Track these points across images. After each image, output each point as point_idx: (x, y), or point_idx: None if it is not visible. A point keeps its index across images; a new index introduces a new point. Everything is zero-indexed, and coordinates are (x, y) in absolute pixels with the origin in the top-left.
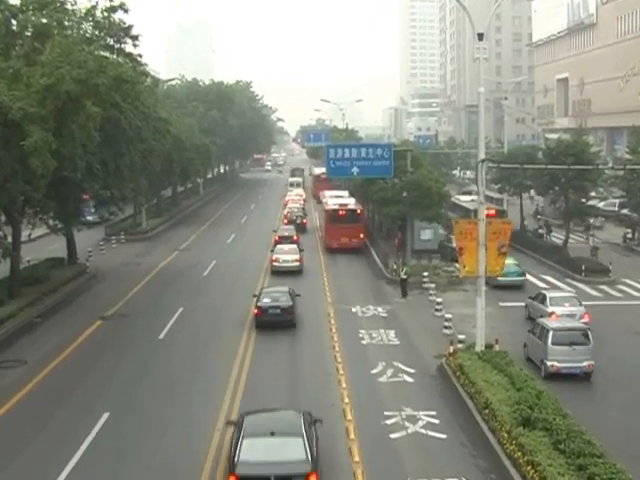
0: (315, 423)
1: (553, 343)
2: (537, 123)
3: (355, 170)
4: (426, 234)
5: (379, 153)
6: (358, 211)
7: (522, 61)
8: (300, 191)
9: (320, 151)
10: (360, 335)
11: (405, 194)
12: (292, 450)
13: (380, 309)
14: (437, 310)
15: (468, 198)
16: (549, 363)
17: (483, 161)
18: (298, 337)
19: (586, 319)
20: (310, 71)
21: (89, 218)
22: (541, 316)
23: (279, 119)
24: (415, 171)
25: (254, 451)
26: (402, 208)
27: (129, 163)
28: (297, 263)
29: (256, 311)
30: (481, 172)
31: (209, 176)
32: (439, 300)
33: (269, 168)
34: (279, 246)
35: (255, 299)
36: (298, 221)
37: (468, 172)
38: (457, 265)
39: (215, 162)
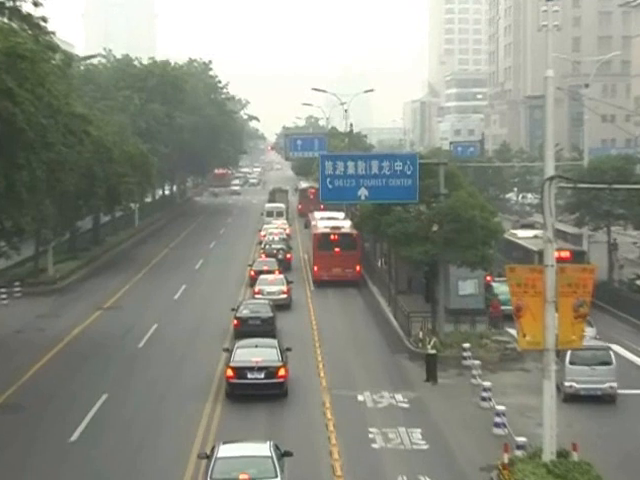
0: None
1: (571, 362)
2: (634, 122)
3: (362, 193)
4: (467, 287)
5: (398, 168)
6: (354, 235)
7: (612, 29)
8: (282, 223)
9: (312, 165)
10: (370, 436)
11: (436, 228)
12: None
13: (399, 397)
14: (484, 399)
15: (530, 234)
16: (567, 384)
17: (552, 179)
18: (282, 438)
19: None
20: (298, 54)
21: None
22: None
23: (252, 117)
24: (451, 194)
25: None
26: (431, 248)
27: (28, 180)
28: (284, 295)
29: (235, 322)
30: (549, 196)
31: (148, 200)
32: (487, 385)
33: (237, 189)
34: (263, 276)
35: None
36: (280, 255)
37: (530, 195)
38: (513, 333)
39: (157, 180)
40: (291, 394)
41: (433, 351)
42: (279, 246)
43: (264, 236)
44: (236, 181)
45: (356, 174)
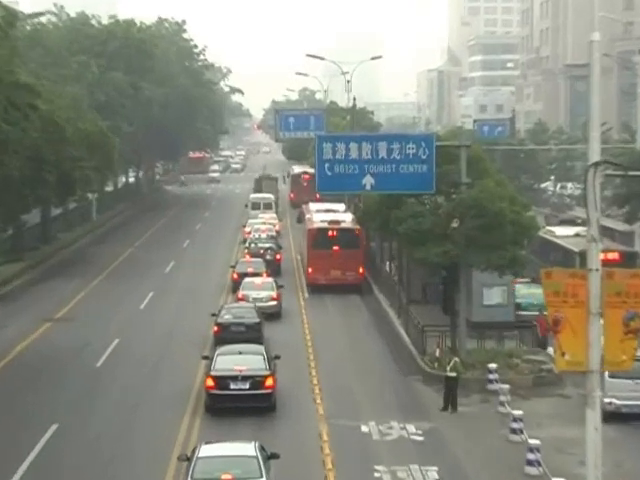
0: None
1: (611, 376)
2: None
3: (368, 181)
4: (493, 296)
5: (411, 151)
6: (356, 231)
7: None
8: (271, 217)
9: (307, 147)
10: (376, 475)
11: (456, 224)
12: None
13: (412, 428)
14: (514, 432)
15: (570, 231)
16: (607, 400)
17: (598, 165)
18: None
19: None
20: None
21: None
22: None
23: (235, 90)
24: (475, 183)
25: None
26: (450, 249)
27: None
28: (273, 302)
29: (216, 328)
30: (594, 185)
31: (109, 189)
32: (517, 414)
33: (216, 175)
34: (248, 279)
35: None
36: (268, 256)
37: (570, 185)
38: (550, 352)
39: (120, 165)
40: (283, 424)
41: (452, 373)
42: (267, 245)
43: (249, 233)
44: (215, 166)
45: (360, 159)
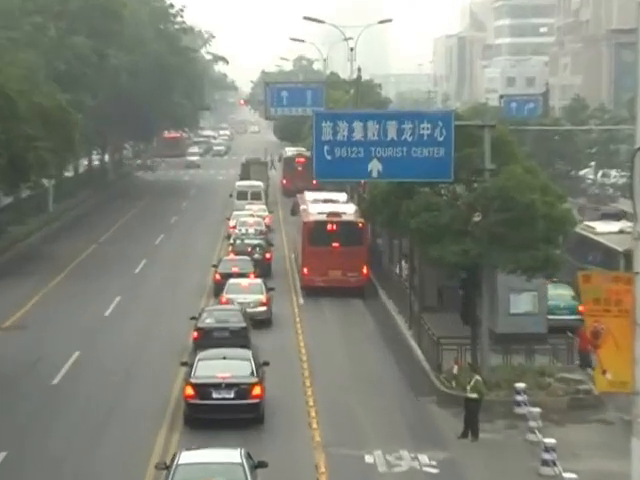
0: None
1: None
2: None
3: (374, 167)
4: (522, 302)
5: (425, 132)
6: (359, 225)
7: None
8: (260, 209)
9: (303, 127)
10: None
11: (478, 218)
12: None
13: (425, 459)
14: (545, 463)
15: (613, 227)
16: None
17: None
18: None
19: None
20: None
21: None
22: None
23: (219, 58)
24: (501, 170)
25: None
26: (472, 247)
27: None
28: (262, 308)
29: (195, 334)
30: None
31: (69, 174)
32: (550, 443)
33: (195, 159)
34: (232, 281)
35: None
36: (257, 254)
37: (614, 173)
38: (590, 370)
39: (82, 146)
40: (274, 454)
41: (473, 394)
42: (255, 241)
43: (234, 227)
44: (194, 149)
45: (365, 140)
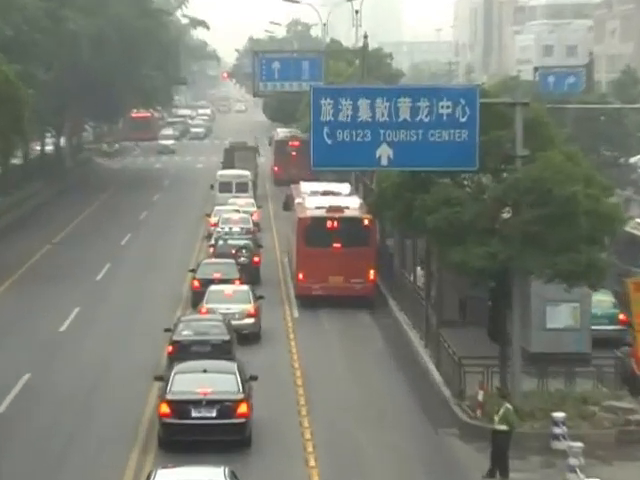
0: None
1: None
2: None
3: (384, 154)
4: (561, 316)
5: (445, 111)
6: (365, 222)
7: None
8: (247, 203)
9: (299, 105)
10: None
11: (509, 215)
12: None
13: None
14: None
15: None
16: None
17: None
18: None
19: None
20: None
21: None
22: None
23: (197, 23)
24: (536, 157)
25: None
26: (500, 250)
27: None
28: (249, 320)
29: (170, 348)
30: None
31: (17, 161)
32: None
33: (169, 143)
34: (214, 288)
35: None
36: (243, 257)
37: None
38: None
39: (34, 127)
40: None
41: (502, 426)
42: (241, 242)
43: (216, 225)
44: (168, 131)
45: (373, 121)
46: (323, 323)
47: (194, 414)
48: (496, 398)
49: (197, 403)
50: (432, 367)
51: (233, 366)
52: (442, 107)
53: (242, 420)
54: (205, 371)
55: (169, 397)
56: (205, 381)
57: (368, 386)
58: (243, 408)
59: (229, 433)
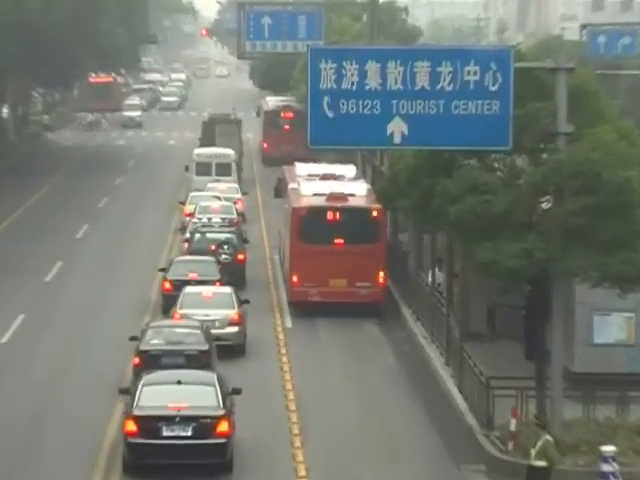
0: None
1: None
2: None
3: (397, 130)
4: (611, 328)
5: (472, 78)
6: (374, 214)
7: None
8: (229, 188)
9: (293, 70)
10: None
11: (548, 205)
12: None
13: None
14: None
15: None
16: None
17: None
18: None
19: None
20: None
21: None
22: None
23: None
24: (582, 134)
25: None
26: (539, 248)
27: None
28: (232, 328)
29: (137, 360)
30: None
31: None
32: None
33: (135, 115)
34: (189, 290)
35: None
36: (224, 255)
37: None
38: None
39: None
40: None
41: (541, 461)
42: (222, 235)
43: (191, 215)
44: (134, 100)
45: (385, 89)
46: (321, 336)
47: (165, 433)
48: (532, 428)
49: (169, 420)
50: (454, 390)
51: (212, 377)
52: (468, 73)
53: (222, 440)
54: (179, 382)
55: (136, 413)
56: (179, 394)
57: (376, 413)
58: (224, 426)
59: (207, 455)
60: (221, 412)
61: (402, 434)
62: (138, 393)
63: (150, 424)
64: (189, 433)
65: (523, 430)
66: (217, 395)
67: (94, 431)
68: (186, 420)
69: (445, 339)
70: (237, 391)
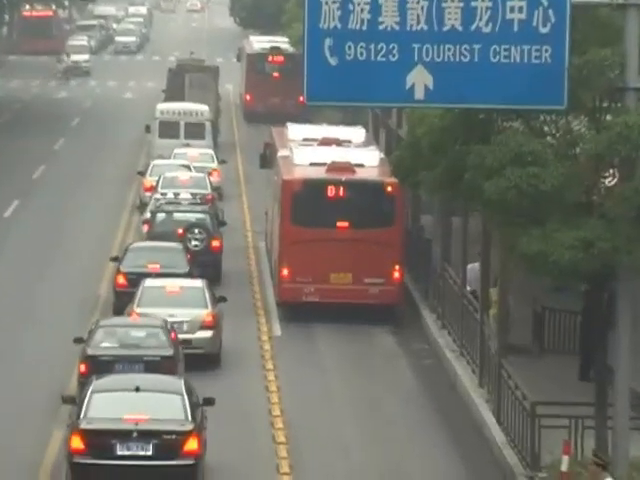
0: None
1: None
2: None
3: (419, 82)
4: None
5: (516, 15)
6: (387, 190)
7: None
8: (201, 155)
9: (285, 3)
10: None
11: (613, 182)
12: None
13: None
14: None
15: None
16: None
17: None
18: None
19: None
20: None
21: None
22: None
23: None
24: None
25: None
26: (599, 235)
27: None
28: (205, 333)
29: (83, 367)
30: None
31: None
32: None
33: (82, 59)
34: (150, 284)
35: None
36: (194, 240)
37: None
38: None
39: None
40: None
41: None
42: (192, 216)
43: (153, 189)
44: (80, 40)
45: (403, 29)
46: (319, 346)
47: (120, 451)
48: (590, 468)
49: (125, 435)
50: (490, 418)
51: (179, 383)
52: (512, 9)
53: (190, 461)
54: (137, 389)
55: (83, 426)
56: (137, 404)
57: (387, 449)
58: (192, 444)
59: (172, 479)
60: (189, 426)
61: (421, 472)
62: (86, 402)
63: (101, 440)
64: (149, 452)
65: (578, 471)
66: (185, 405)
67: (31, 447)
68: (146, 436)
69: (478, 353)
70: (209, 401)
